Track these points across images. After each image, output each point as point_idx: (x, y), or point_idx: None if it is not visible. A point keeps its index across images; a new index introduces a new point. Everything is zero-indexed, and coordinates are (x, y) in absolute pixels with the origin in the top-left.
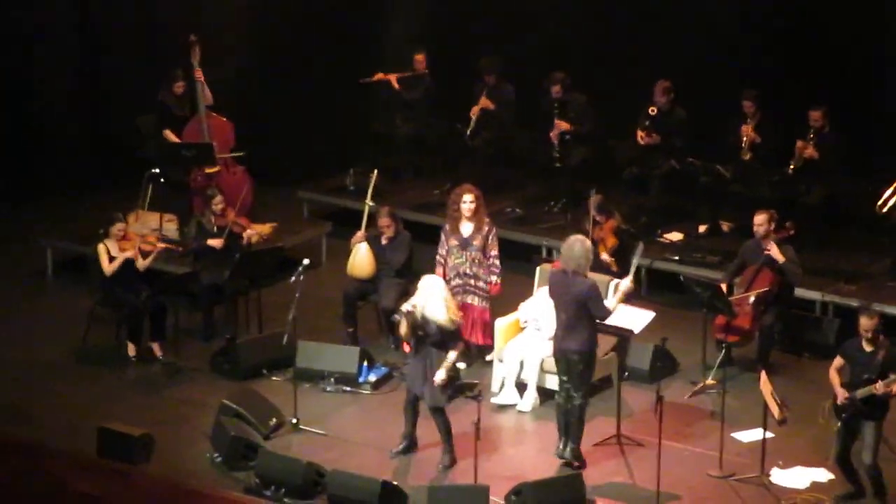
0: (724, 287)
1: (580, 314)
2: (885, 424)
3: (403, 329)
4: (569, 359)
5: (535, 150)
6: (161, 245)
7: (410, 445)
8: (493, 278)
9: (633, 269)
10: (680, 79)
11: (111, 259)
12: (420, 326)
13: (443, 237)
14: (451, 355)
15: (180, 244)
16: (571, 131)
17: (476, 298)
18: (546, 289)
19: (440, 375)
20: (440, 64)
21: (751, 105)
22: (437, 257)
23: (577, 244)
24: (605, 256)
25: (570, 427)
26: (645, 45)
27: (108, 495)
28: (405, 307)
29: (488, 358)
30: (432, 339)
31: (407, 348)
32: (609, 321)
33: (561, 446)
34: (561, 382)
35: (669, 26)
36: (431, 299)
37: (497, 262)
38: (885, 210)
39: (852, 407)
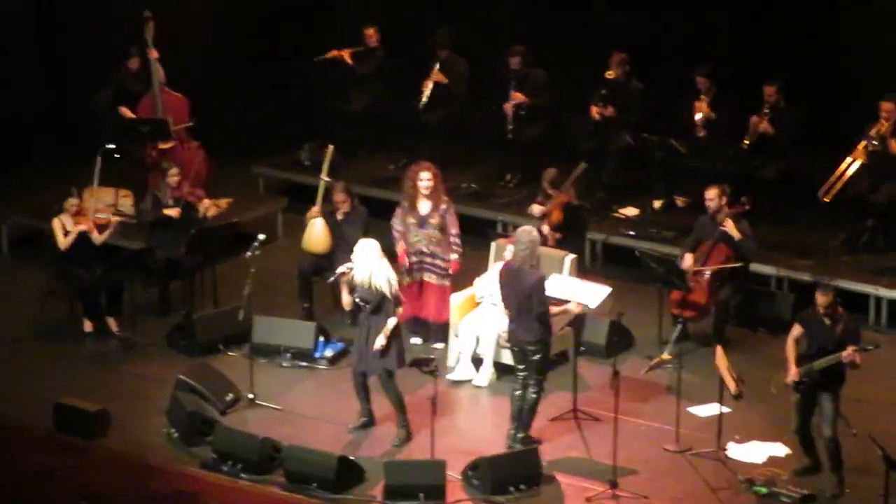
0: (690, 260)
1: (529, 305)
2: (841, 399)
3: (345, 300)
4: (524, 349)
5: (491, 125)
6: (115, 218)
7: (368, 421)
8: (453, 256)
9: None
10: (635, 53)
11: (66, 234)
12: (357, 292)
13: (399, 212)
14: (391, 321)
15: (135, 217)
16: (527, 104)
17: (433, 276)
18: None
19: (380, 341)
20: (395, 38)
21: (704, 81)
22: (394, 232)
23: (522, 235)
24: (545, 229)
25: (522, 414)
26: (600, 19)
27: (64, 470)
28: (340, 268)
29: (438, 346)
30: (372, 305)
31: None
32: (565, 296)
33: (513, 432)
34: (517, 372)
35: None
36: (368, 261)
37: (458, 240)
38: (827, 199)
39: (809, 378)
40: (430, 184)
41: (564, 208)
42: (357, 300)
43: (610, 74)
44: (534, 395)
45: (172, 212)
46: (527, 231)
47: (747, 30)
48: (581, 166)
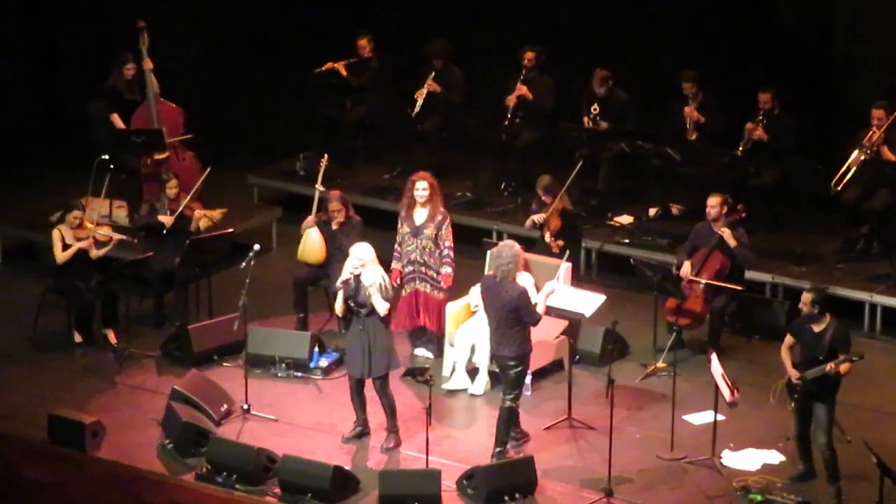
0: (687, 267)
1: (510, 320)
2: (836, 405)
3: (339, 304)
4: (502, 364)
5: (487, 133)
6: (116, 236)
7: (363, 431)
8: (446, 270)
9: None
10: (626, 60)
11: (65, 247)
12: (353, 296)
13: (399, 224)
14: (379, 302)
15: (134, 235)
16: (531, 102)
17: (427, 286)
18: None
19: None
20: (390, 46)
21: (690, 86)
22: (396, 245)
23: (505, 249)
24: (547, 237)
25: (497, 429)
26: (590, 25)
27: (59, 482)
28: (342, 278)
29: (427, 354)
30: (367, 309)
31: None
32: (560, 305)
33: (498, 450)
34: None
35: (616, 8)
36: (368, 264)
37: (451, 253)
38: (839, 188)
39: (803, 387)
40: (427, 193)
41: (562, 215)
42: (351, 304)
43: (594, 110)
44: (505, 411)
45: (166, 219)
46: (508, 245)
47: (742, 36)
48: (578, 166)
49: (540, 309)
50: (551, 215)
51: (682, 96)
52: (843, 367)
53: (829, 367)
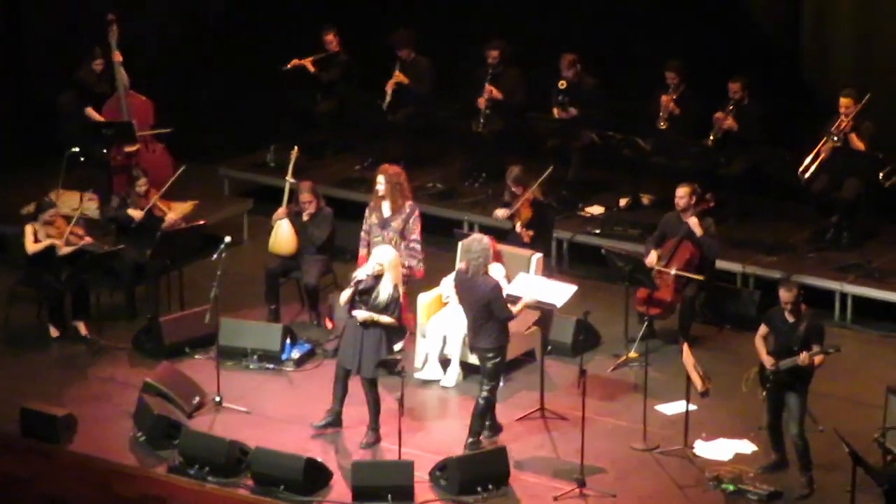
0: (653, 257)
1: (485, 314)
2: (808, 395)
3: (345, 296)
4: (480, 356)
5: (458, 123)
6: (88, 239)
7: (334, 421)
8: (414, 263)
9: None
10: (601, 50)
11: (36, 240)
12: (361, 294)
13: (366, 213)
14: (383, 317)
15: (104, 236)
16: (501, 101)
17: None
18: None
19: (361, 314)
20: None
21: (674, 76)
22: (362, 233)
23: (474, 244)
24: (518, 227)
25: (472, 419)
26: (563, 16)
27: (30, 475)
28: (359, 275)
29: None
30: (368, 307)
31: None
32: (532, 295)
33: (470, 440)
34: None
35: None
36: (387, 268)
37: (417, 246)
38: (807, 175)
39: (776, 377)
40: (383, 188)
41: (533, 205)
42: (357, 298)
43: (562, 84)
44: (482, 402)
45: (136, 213)
46: (477, 239)
47: (710, 25)
48: (548, 170)
49: (516, 310)
50: (522, 206)
51: (664, 85)
52: (817, 359)
53: (803, 358)
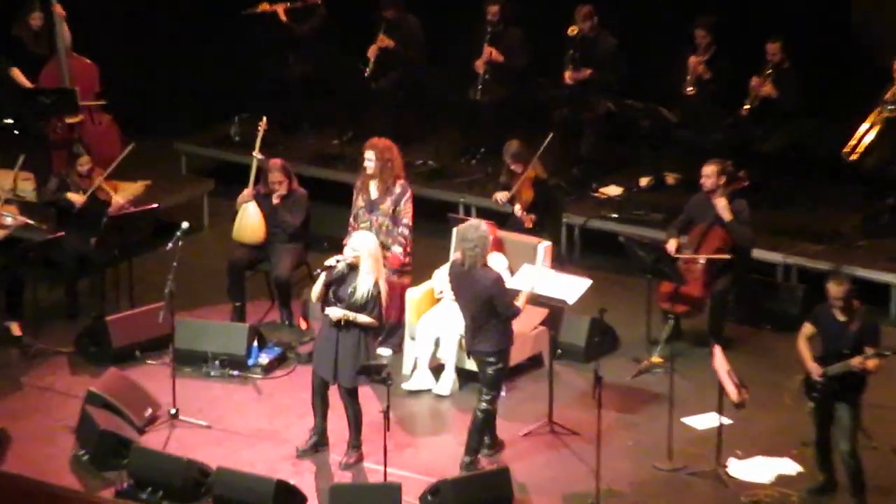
0: (673, 245)
1: (486, 312)
2: (861, 406)
3: (316, 290)
4: (478, 361)
5: (452, 92)
6: (21, 219)
7: (319, 441)
8: (397, 250)
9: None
10: (620, 4)
11: None
12: (335, 285)
13: (354, 195)
14: (361, 316)
15: (43, 218)
16: (501, 64)
17: (385, 270)
18: None
19: (335, 311)
20: None
21: (704, 35)
22: (350, 219)
23: (470, 231)
24: (517, 210)
25: (469, 435)
26: None
27: None
28: (329, 261)
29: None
30: (343, 305)
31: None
32: (539, 290)
33: (466, 459)
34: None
35: None
36: (364, 258)
37: (405, 231)
38: (852, 157)
39: (825, 386)
40: (372, 164)
41: (534, 185)
42: (330, 294)
43: (573, 30)
44: (480, 415)
45: (77, 197)
46: (474, 226)
47: None
48: (549, 137)
49: (520, 303)
50: (522, 185)
51: (693, 45)
52: (872, 364)
53: (856, 362)
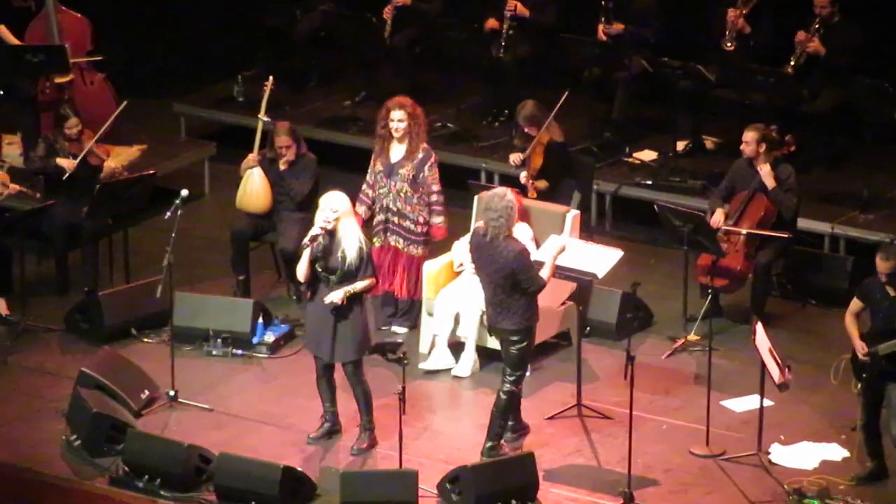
0: (720, 216)
1: (509, 286)
2: None
3: (303, 269)
4: (502, 339)
5: (473, 48)
6: (14, 187)
7: (332, 427)
8: (438, 220)
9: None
10: None
11: None
12: (322, 258)
13: (372, 159)
14: (359, 283)
15: (33, 184)
16: (527, 19)
17: (401, 240)
18: None
19: (335, 295)
20: None
21: None
22: (364, 186)
23: (495, 200)
24: (522, 178)
25: (491, 418)
26: None
27: None
28: (313, 231)
29: (400, 329)
30: (337, 276)
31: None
32: (566, 263)
33: (489, 444)
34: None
35: None
36: (345, 217)
37: (440, 198)
38: None
39: (874, 365)
40: (403, 125)
41: (547, 150)
42: (318, 269)
43: None
44: (504, 397)
45: (67, 163)
46: (500, 194)
47: None
48: (564, 95)
49: (546, 273)
50: (533, 151)
51: None
52: None
53: None
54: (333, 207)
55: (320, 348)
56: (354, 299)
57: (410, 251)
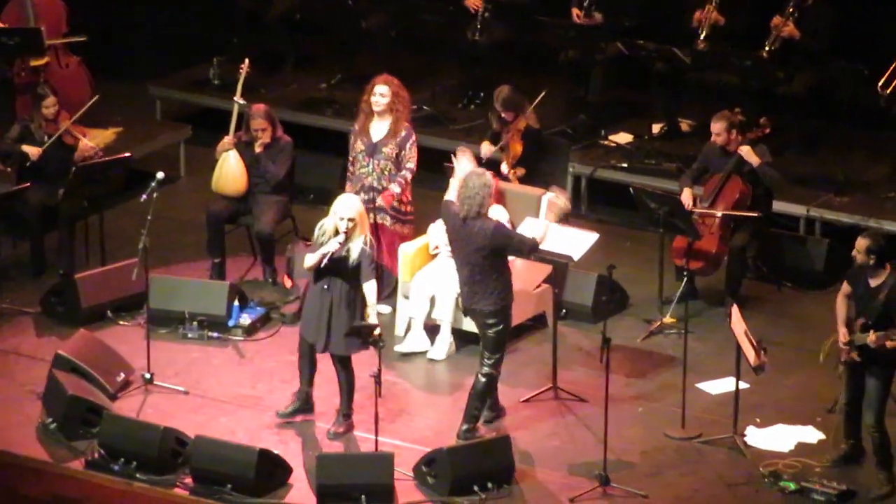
0: (688, 196)
1: (486, 266)
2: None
3: (311, 261)
4: (478, 321)
5: (448, 32)
6: None
7: (304, 406)
8: (394, 187)
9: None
10: None
11: None
12: (329, 261)
13: (351, 139)
14: (371, 296)
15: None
16: (502, 0)
17: (387, 218)
18: None
19: (373, 319)
20: None
21: None
22: (348, 165)
23: (472, 179)
24: (503, 168)
25: (468, 401)
26: None
27: None
28: (329, 247)
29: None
30: (338, 269)
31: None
32: (544, 245)
33: (464, 427)
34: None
35: None
36: (358, 224)
37: (408, 175)
38: (888, 91)
39: (849, 353)
40: (386, 101)
41: (525, 136)
42: (326, 260)
43: None
44: (483, 379)
45: (31, 149)
46: (478, 174)
47: None
48: (542, 94)
49: (539, 231)
50: (511, 138)
51: None
52: (892, 344)
53: (872, 339)
54: (348, 216)
55: (311, 332)
56: (356, 297)
57: (398, 229)
